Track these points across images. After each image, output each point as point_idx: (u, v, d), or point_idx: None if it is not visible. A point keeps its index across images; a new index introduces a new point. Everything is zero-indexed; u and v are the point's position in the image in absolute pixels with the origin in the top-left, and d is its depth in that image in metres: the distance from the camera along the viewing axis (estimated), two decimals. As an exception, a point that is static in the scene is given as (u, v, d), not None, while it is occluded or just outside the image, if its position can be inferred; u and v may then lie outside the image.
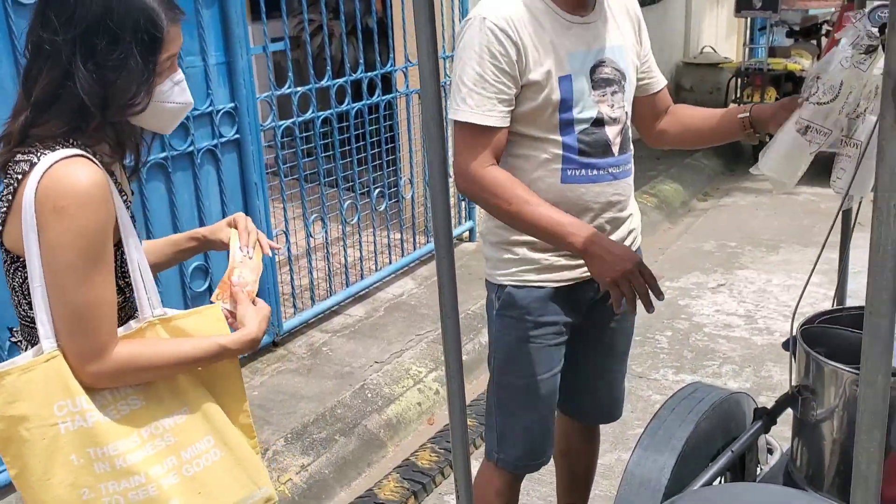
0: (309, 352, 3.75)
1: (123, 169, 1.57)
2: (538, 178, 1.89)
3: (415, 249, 4.62)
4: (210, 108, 3.23)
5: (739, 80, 7.06)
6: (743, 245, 5.31)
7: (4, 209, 1.40)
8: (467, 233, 5.03)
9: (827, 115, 1.75)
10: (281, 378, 3.53)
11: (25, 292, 1.41)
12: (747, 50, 7.60)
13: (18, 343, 1.51)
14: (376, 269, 4.38)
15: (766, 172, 1.74)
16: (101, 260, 1.38)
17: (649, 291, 1.75)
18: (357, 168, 4.24)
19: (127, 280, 1.48)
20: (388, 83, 4.42)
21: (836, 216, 1.78)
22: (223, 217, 3.34)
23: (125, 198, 1.51)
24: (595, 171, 1.91)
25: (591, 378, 2.21)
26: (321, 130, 3.91)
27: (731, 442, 1.94)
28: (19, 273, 1.41)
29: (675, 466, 1.88)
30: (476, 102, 1.79)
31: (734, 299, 4.49)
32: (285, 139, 3.80)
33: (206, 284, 3.33)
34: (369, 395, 3.41)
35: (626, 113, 1.95)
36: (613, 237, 1.96)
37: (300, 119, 3.76)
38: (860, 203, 1.93)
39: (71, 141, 1.39)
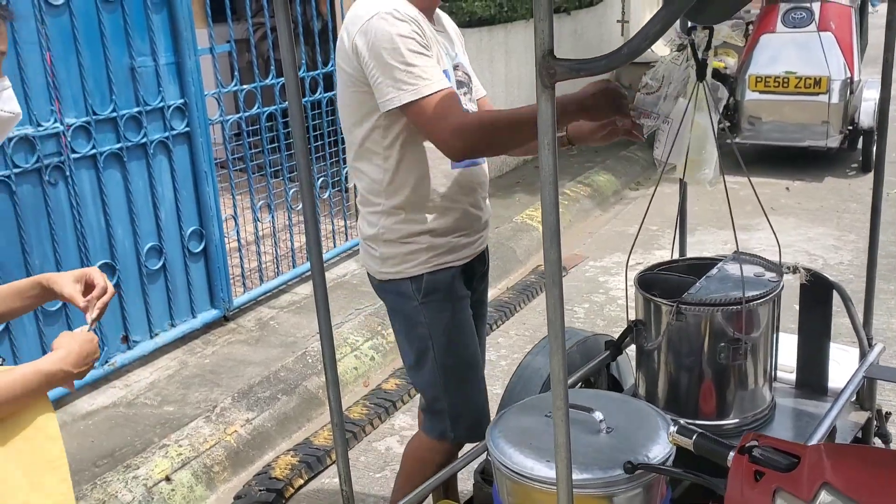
0: (257, 325, 4.13)
1: None
2: (433, 167, 2.05)
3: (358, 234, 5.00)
4: (161, 104, 3.60)
5: (670, 77, 7.52)
6: (663, 228, 5.76)
7: None
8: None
9: (655, 103, 2.18)
10: (231, 348, 3.90)
11: None
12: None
13: None
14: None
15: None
16: None
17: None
18: (301, 159, 4.62)
19: None
20: (330, 82, 4.80)
21: (657, 181, 2.20)
22: (176, 203, 3.73)
23: None
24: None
25: (479, 346, 2.34)
26: (267, 125, 4.29)
27: (590, 371, 2.36)
28: None
29: (542, 389, 2.31)
30: (429, 74, 1.85)
31: (649, 276, 4.93)
32: (233, 133, 4.17)
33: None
34: (310, 360, 3.80)
35: None
36: (485, 214, 2.22)
37: (246, 114, 4.14)
38: (684, 167, 2.37)
39: None
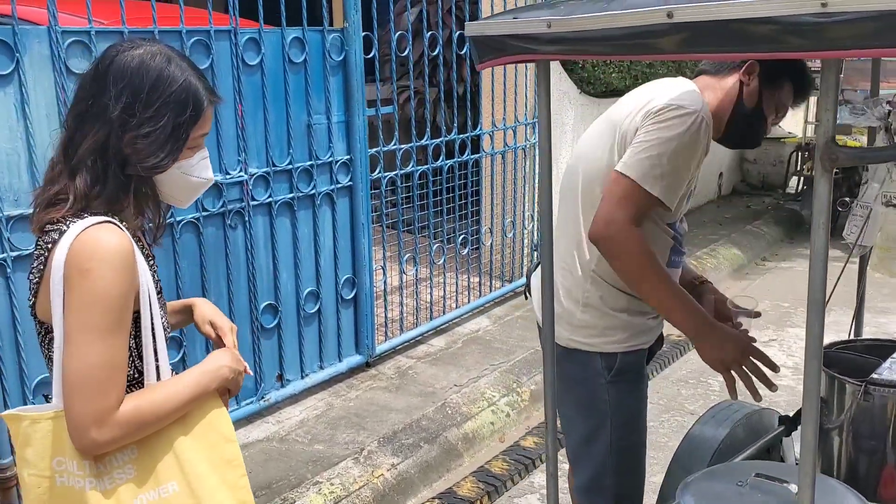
0: (397, 373, 4.27)
1: (144, 235, 1.63)
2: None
3: (490, 291, 5.14)
4: (330, 159, 3.84)
5: (800, 154, 7.48)
6: (796, 306, 5.68)
7: (36, 280, 1.44)
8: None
9: None
10: (373, 393, 4.05)
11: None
12: (810, 126, 8.01)
13: None
14: (456, 307, 4.91)
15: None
16: (119, 324, 1.39)
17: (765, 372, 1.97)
18: (445, 217, 4.81)
19: (140, 352, 1.48)
20: (475, 144, 5.00)
21: (846, 262, 2.23)
22: (334, 252, 3.93)
23: (151, 263, 1.55)
24: (681, 258, 2.21)
25: None
26: (418, 182, 4.49)
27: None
28: (52, 342, 1.44)
29: (713, 458, 2.33)
30: (668, 184, 1.89)
31: (783, 353, 4.86)
32: (388, 188, 4.38)
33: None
34: (449, 411, 3.90)
35: None
36: None
37: (402, 172, 4.35)
38: (870, 251, 2.39)
39: (98, 208, 1.44)
